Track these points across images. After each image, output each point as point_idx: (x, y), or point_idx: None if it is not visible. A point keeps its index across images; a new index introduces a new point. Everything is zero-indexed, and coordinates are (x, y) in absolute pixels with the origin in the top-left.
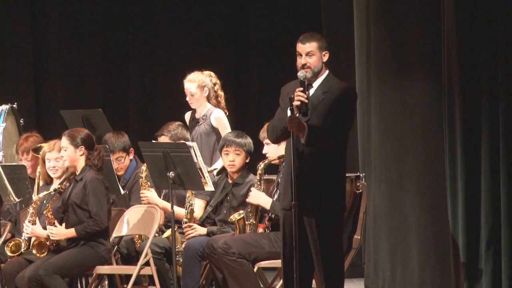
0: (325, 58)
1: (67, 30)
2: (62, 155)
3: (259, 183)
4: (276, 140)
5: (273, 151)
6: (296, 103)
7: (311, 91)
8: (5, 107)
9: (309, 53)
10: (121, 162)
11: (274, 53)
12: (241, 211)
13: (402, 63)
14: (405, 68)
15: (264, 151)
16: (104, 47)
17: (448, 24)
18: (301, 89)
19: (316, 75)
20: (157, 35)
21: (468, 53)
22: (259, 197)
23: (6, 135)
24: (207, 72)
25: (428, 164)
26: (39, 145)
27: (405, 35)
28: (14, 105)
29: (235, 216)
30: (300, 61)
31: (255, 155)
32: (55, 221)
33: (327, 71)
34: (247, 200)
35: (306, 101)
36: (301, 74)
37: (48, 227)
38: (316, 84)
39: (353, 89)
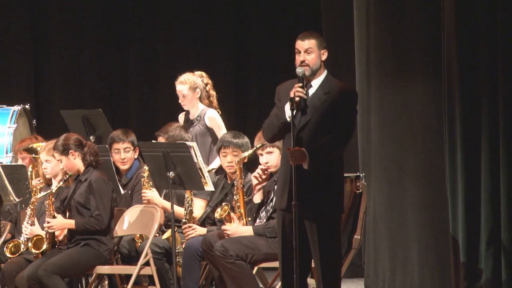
0: (324, 57)
1: (67, 30)
2: (59, 163)
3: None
4: (272, 139)
5: (275, 160)
6: (295, 98)
7: (311, 91)
8: (16, 108)
9: (308, 50)
10: (128, 153)
11: (274, 53)
12: (225, 205)
13: (402, 63)
14: (405, 68)
15: (264, 161)
16: (104, 47)
17: (448, 23)
18: (300, 84)
19: (314, 73)
20: (157, 35)
21: (468, 53)
22: (237, 230)
23: (18, 136)
24: (198, 73)
25: (428, 164)
26: (30, 145)
27: (405, 35)
28: (27, 106)
29: (220, 213)
30: (299, 58)
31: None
32: (55, 213)
33: (325, 71)
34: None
35: (305, 97)
36: (299, 70)
37: (46, 219)
38: (315, 84)
39: (354, 89)
